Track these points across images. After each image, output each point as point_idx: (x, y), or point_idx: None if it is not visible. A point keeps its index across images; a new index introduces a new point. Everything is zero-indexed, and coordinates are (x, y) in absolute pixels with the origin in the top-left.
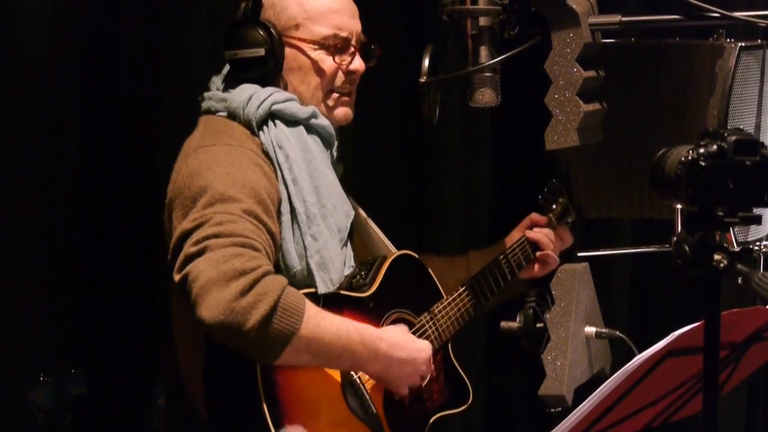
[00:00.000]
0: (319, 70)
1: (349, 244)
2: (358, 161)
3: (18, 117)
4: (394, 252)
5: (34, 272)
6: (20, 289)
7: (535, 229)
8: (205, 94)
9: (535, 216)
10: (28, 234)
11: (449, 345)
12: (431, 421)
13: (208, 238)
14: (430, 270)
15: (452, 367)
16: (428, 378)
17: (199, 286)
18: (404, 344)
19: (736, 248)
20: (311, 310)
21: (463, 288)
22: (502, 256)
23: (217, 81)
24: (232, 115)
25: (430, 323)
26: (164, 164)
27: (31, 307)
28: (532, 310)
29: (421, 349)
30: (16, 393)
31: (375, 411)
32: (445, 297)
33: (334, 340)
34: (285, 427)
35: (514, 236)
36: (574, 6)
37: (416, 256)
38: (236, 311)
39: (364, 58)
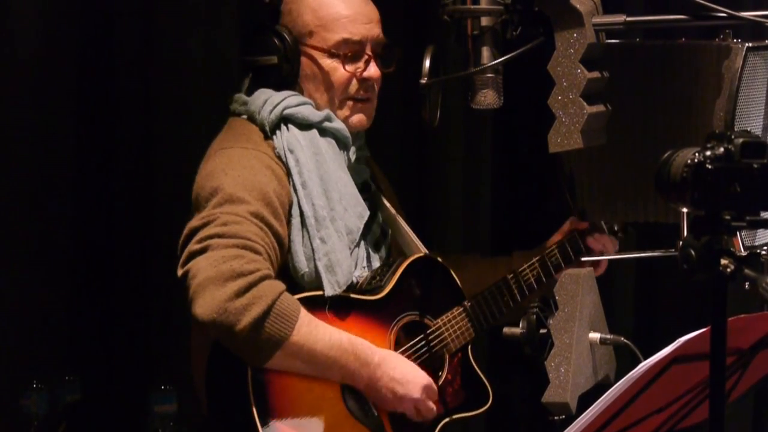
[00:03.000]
0: (331, 79)
1: (362, 245)
2: None
3: (11, 119)
4: (414, 254)
5: (27, 278)
6: (13, 295)
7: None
8: (234, 96)
9: (575, 221)
10: (22, 240)
11: (469, 347)
12: (443, 423)
13: (211, 237)
14: (452, 272)
15: (471, 370)
16: (431, 413)
17: (197, 284)
18: (399, 365)
19: (743, 253)
20: (305, 318)
21: (488, 290)
22: (538, 258)
23: (245, 83)
24: (252, 118)
25: (448, 325)
26: (159, 169)
27: (24, 314)
28: (535, 316)
29: (421, 375)
30: (8, 400)
31: (376, 413)
32: (467, 299)
33: (326, 349)
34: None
35: (554, 240)
36: (578, 6)
37: (437, 258)
38: (229, 311)
39: (382, 63)
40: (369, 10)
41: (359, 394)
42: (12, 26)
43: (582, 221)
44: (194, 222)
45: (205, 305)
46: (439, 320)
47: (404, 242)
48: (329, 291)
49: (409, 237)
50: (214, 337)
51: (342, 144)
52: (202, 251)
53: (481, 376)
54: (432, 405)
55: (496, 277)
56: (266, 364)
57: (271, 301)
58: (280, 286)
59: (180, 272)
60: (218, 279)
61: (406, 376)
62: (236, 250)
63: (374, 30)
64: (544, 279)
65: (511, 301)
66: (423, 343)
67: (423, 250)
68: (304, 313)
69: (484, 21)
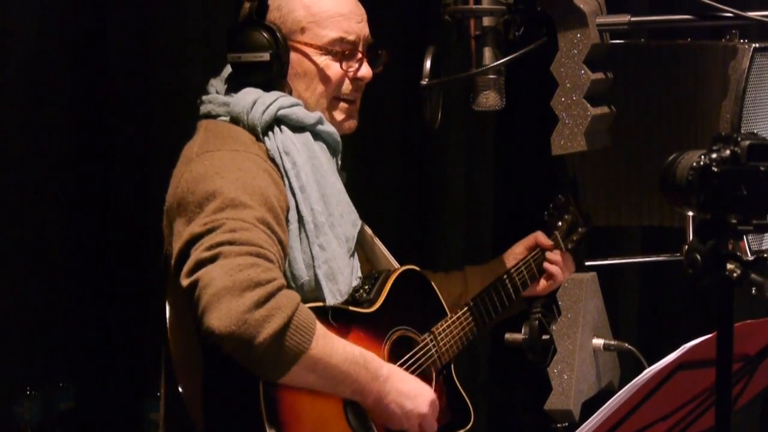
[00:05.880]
0: (324, 77)
1: (355, 254)
2: (358, 166)
3: (6, 121)
4: (398, 266)
5: (21, 284)
6: (7, 301)
7: (550, 258)
8: (204, 98)
9: (541, 237)
10: (16, 245)
11: (452, 366)
12: None
13: (221, 244)
14: (434, 286)
15: (454, 389)
16: (433, 430)
17: (211, 294)
18: (406, 379)
19: (750, 257)
20: (321, 329)
21: (467, 307)
22: (506, 276)
23: (216, 84)
24: (235, 120)
25: (434, 342)
26: (156, 172)
27: (18, 320)
28: (537, 322)
29: (427, 390)
30: (2, 407)
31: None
32: (449, 315)
33: (340, 363)
34: None
35: (516, 252)
36: (582, 5)
37: (420, 271)
38: (249, 323)
39: (371, 64)
40: (360, 8)
41: (360, 412)
42: (7, 25)
43: (548, 241)
44: (195, 228)
45: (223, 317)
46: (425, 335)
47: (374, 254)
48: (330, 300)
49: (379, 249)
50: (229, 350)
51: (332, 149)
52: (213, 259)
53: (464, 394)
54: (435, 422)
55: (450, 292)
56: (282, 379)
57: (291, 312)
58: (297, 296)
59: (186, 282)
60: (235, 289)
61: (413, 390)
62: (251, 258)
63: (366, 29)
64: (513, 297)
65: (486, 318)
66: (413, 359)
67: (393, 262)
68: (319, 325)
69: (486, 21)
